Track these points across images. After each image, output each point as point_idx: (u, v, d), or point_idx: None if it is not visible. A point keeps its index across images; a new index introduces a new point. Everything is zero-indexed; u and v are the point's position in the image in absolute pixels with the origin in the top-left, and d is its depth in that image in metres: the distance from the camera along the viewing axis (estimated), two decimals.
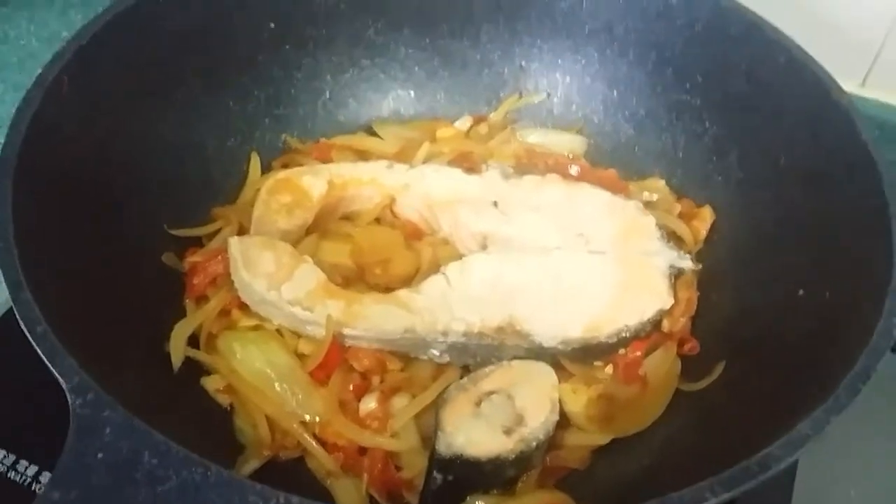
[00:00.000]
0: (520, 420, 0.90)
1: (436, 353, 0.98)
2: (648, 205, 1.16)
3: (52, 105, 0.90)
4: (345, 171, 1.13)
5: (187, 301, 1.02)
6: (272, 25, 1.19)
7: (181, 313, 1.01)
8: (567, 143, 1.28)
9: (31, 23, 1.55)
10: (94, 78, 0.97)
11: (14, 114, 0.86)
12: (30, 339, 0.70)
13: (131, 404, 0.69)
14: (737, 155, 1.14)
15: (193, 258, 1.04)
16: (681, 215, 1.17)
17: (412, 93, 1.32)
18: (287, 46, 1.22)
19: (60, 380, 0.67)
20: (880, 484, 1.07)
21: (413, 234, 1.12)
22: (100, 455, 0.63)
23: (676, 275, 1.07)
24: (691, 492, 0.64)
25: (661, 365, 1.01)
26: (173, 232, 1.06)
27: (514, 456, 0.87)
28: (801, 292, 0.96)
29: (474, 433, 0.88)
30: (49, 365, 0.68)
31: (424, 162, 1.19)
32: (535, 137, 1.28)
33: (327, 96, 1.27)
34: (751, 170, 1.12)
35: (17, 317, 0.71)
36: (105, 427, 0.64)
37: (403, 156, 1.21)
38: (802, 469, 1.01)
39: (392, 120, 1.30)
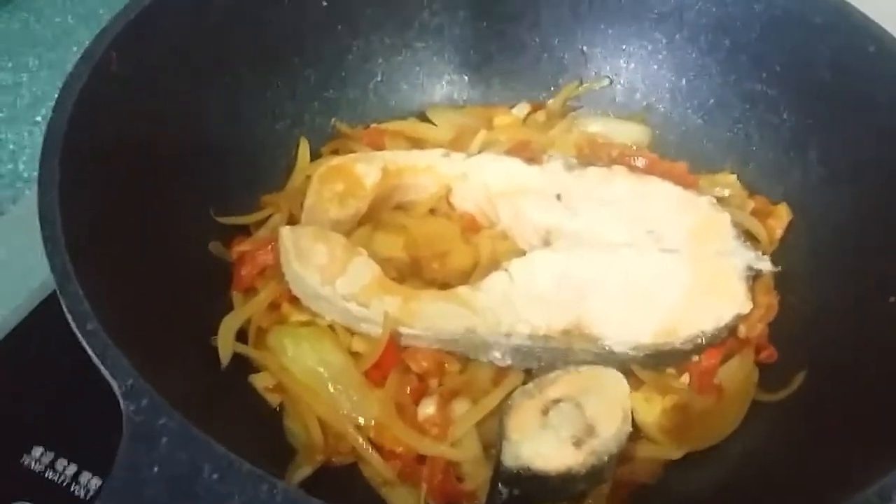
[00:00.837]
0: (590, 431, 0.83)
1: (497, 355, 0.92)
2: (720, 201, 1.08)
3: (99, 82, 0.85)
4: (400, 158, 1.07)
5: (234, 293, 0.96)
6: (324, 4, 1.13)
7: (228, 306, 0.95)
8: (630, 132, 1.21)
9: None
10: (143, 55, 0.91)
11: (60, 90, 0.80)
12: (79, 336, 0.64)
13: (183, 408, 0.64)
14: (817, 149, 1.07)
15: (241, 247, 0.98)
16: (754, 213, 1.10)
17: (467, 77, 1.25)
18: (339, 27, 1.16)
19: (113, 382, 0.61)
20: None
21: (470, 227, 1.06)
22: (156, 468, 0.57)
23: (754, 277, 1.00)
24: None
25: (737, 373, 0.95)
26: (220, 219, 1.01)
27: (584, 470, 0.81)
28: (892, 299, 0.89)
29: (542, 444, 0.82)
30: (100, 365, 0.63)
31: (481, 150, 1.12)
32: (597, 126, 1.21)
33: (379, 79, 1.21)
34: (832, 165, 1.05)
35: (66, 311, 0.65)
36: (162, 436, 0.59)
37: (458, 143, 1.15)
38: None
39: (446, 105, 1.24)
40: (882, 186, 0.97)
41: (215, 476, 0.57)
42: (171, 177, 0.95)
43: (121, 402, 0.60)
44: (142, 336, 0.74)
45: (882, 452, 0.68)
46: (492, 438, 0.86)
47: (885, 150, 0.98)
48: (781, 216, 1.08)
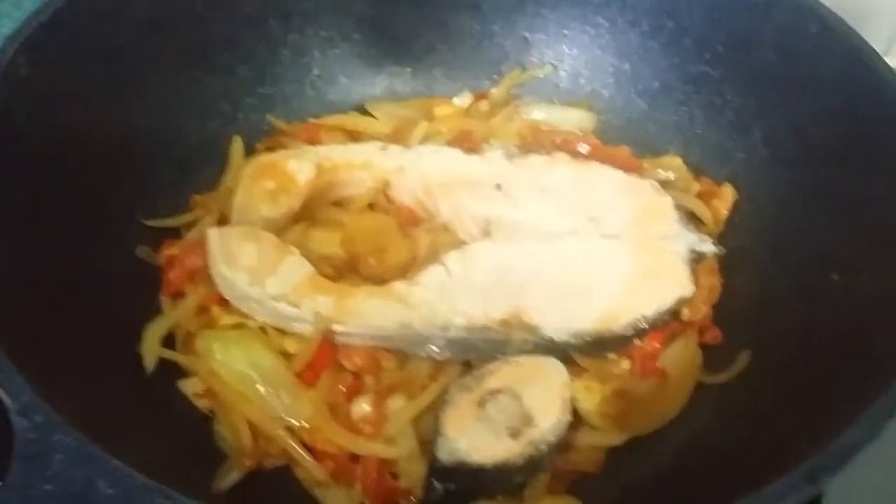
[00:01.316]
0: (528, 421, 0.82)
1: (435, 349, 0.90)
2: (664, 184, 1.06)
3: (9, 86, 0.83)
4: (334, 153, 1.04)
5: (163, 298, 0.94)
6: None
7: (159, 312, 0.93)
8: (575, 119, 1.19)
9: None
10: (57, 57, 0.89)
11: None
12: None
13: (95, 416, 0.62)
14: (761, 130, 1.05)
15: (169, 251, 0.96)
16: (699, 195, 1.08)
17: (408, 69, 1.23)
18: (271, 21, 1.13)
19: (5, 398, 0.59)
20: None
21: (409, 221, 1.03)
22: (47, 487, 0.55)
23: (697, 259, 0.98)
24: None
25: (681, 356, 0.93)
26: (148, 223, 0.98)
27: (522, 461, 0.79)
28: (834, 276, 0.87)
29: (478, 437, 0.80)
30: None
31: (421, 142, 1.10)
32: (541, 114, 1.19)
33: (315, 74, 1.18)
34: (777, 145, 1.03)
35: None
36: (55, 453, 0.56)
37: (398, 136, 1.13)
38: None
39: (386, 98, 1.21)
40: (825, 165, 0.96)
41: (110, 491, 0.55)
42: (94, 182, 0.92)
43: (12, 419, 0.58)
44: (52, 344, 0.72)
45: (815, 432, 0.67)
46: (428, 434, 0.84)
47: (828, 129, 0.96)
48: (726, 197, 1.07)
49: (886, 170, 0.87)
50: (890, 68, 0.90)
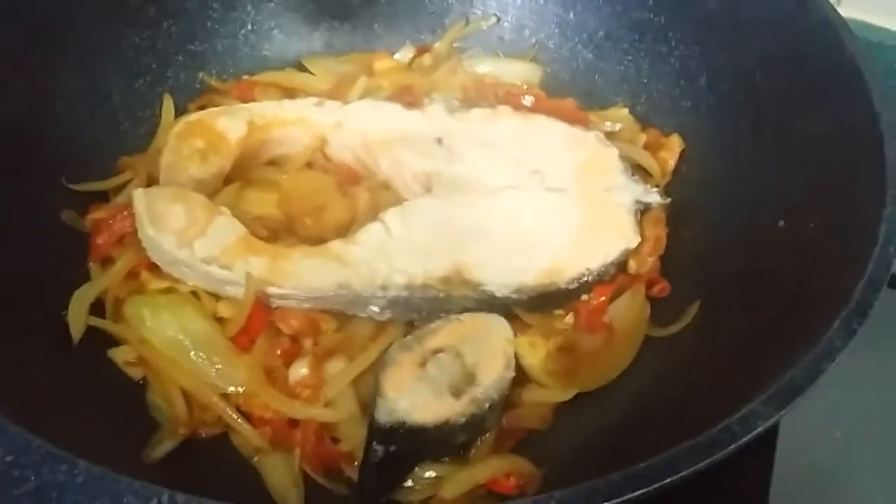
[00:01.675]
0: (470, 379, 0.80)
1: (375, 309, 0.87)
2: (610, 136, 1.04)
3: None
4: (267, 110, 1.00)
5: (91, 264, 0.90)
6: None
7: (86, 278, 0.89)
8: (520, 71, 1.16)
9: None
10: None
11: None
12: None
13: (23, 383, 0.58)
14: (707, 77, 1.03)
15: (96, 215, 0.92)
16: (646, 146, 1.06)
17: (346, 23, 1.19)
18: None
19: None
20: (868, 423, 0.99)
21: (348, 179, 1.00)
22: None
23: (643, 211, 0.97)
24: (663, 461, 0.54)
25: (628, 310, 0.91)
26: (73, 187, 0.94)
27: (464, 419, 0.77)
28: (781, 223, 0.86)
29: (419, 397, 0.78)
30: None
31: (361, 98, 1.06)
32: (485, 67, 1.16)
33: (249, 28, 1.14)
34: (723, 92, 1.01)
35: None
36: None
37: (337, 93, 1.09)
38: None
39: (324, 54, 1.17)
40: (771, 110, 0.94)
41: (9, 458, 0.51)
42: (14, 146, 0.88)
43: None
44: None
45: (763, 380, 0.65)
46: (369, 397, 0.81)
47: (774, 73, 0.94)
48: (673, 147, 1.05)
49: (831, 113, 0.85)
50: (833, 8, 0.88)
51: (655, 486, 0.53)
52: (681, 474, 0.53)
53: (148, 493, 0.49)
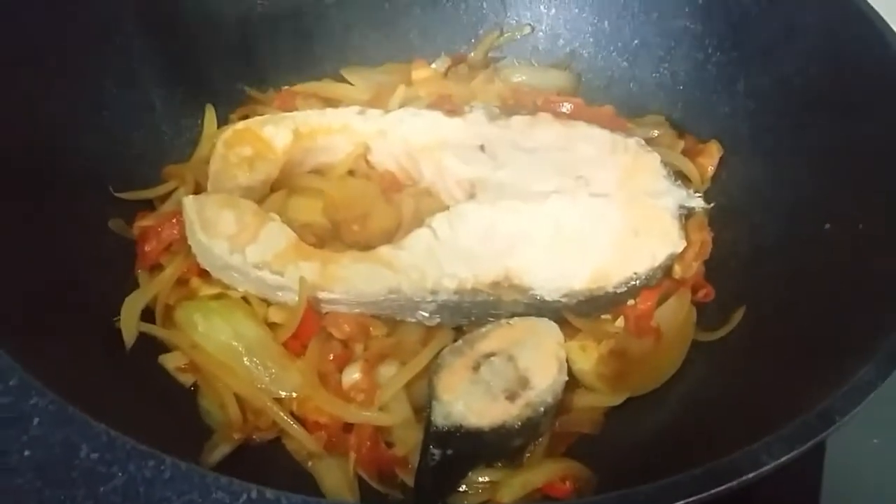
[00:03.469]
0: (524, 383, 0.80)
1: (425, 314, 0.88)
2: (649, 142, 1.04)
3: None
4: (312, 118, 1.01)
5: (139, 271, 0.90)
6: None
7: (135, 286, 0.89)
8: (555, 80, 1.16)
9: None
10: (13, 23, 0.84)
11: None
12: None
13: (75, 389, 0.58)
14: (744, 82, 1.03)
15: (143, 222, 0.92)
16: (684, 152, 1.06)
17: (383, 33, 1.19)
18: None
19: None
20: None
21: (392, 186, 1.00)
22: (27, 452, 0.51)
23: (686, 215, 0.97)
24: (745, 455, 0.54)
25: (675, 314, 0.91)
26: (120, 195, 0.94)
27: (520, 423, 0.77)
28: (827, 226, 0.86)
29: (474, 400, 0.78)
30: None
31: (400, 107, 1.07)
32: (521, 76, 1.17)
33: (289, 41, 1.14)
34: (761, 97, 1.01)
35: None
36: (32, 418, 0.53)
37: (376, 102, 1.09)
38: None
39: (362, 64, 1.18)
40: (810, 113, 0.94)
41: (95, 455, 0.51)
42: (61, 157, 0.88)
43: None
44: (26, 317, 0.68)
45: (821, 378, 0.65)
46: (423, 401, 0.81)
47: (812, 75, 0.95)
48: (712, 153, 1.05)
49: (872, 113, 0.86)
50: (871, 8, 0.88)
51: (737, 480, 0.53)
52: (764, 468, 0.53)
53: (237, 488, 0.49)
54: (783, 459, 0.54)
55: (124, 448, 0.51)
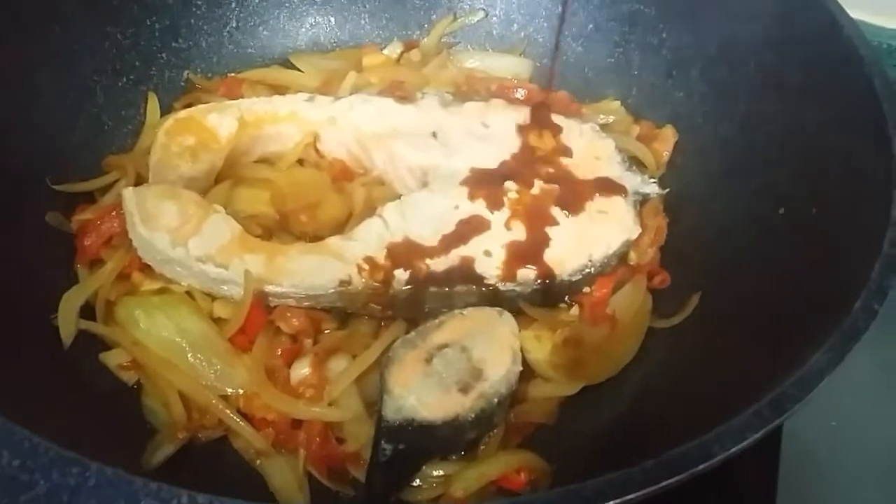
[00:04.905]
0: (478, 374, 0.78)
1: (377, 307, 0.85)
2: (604, 128, 1.03)
3: None
4: (258, 106, 0.98)
5: (79, 266, 0.87)
6: None
7: (74, 281, 0.86)
8: (510, 66, 1.15)
9: None
10: None
11: None
12: None
13: (10, 389, 0.56)
14: (700, 66, 1.02)
15: (83, 216, 0.89)
16: (639, 138, 1.05)
17: (332, 18, 1.17)
18: None
19: None
20: (862, 412, 0.99)
21: (342, 175, 0.98)
22: None
23: (641, 201, 0.96)
24: (695, 448, 0.53)
25: (630, 301, 0.90)
26: (58, 187, 0.91)
27: (473, 415, 0.76)
28: (781, 210, 0.85)
29: (426, 393, 0.76)
30: None
31: (351, 93, 1.04)
32: (475, 62, 1.15)
33: (234, 25, 1.11)
34: (716, 81, 1.00)
35: None
36: None
37: (326, 89, 1.07)
38: None
39: (311, 51, 1.15)
40: (763, 97, 0.94)
41: (16, 463, 0.48)
42: None
43: None
44: None
45: (773, 366, 0.64)
46: (374, 396, 0.79)
47: (765, 61, 0.94)
48: (667, 138, 1.04)
49: (825, 98, 0.85)
50: None
51: (689, 472, 0.52)
52: (716, 459, 0.52)
53: (166, 494, 0.47)
54: (734, 450, 0.53)
55: (47, 455, 0.48)
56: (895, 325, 0.74)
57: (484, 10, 1.18)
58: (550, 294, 0.89)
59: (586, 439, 0.82)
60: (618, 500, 0.50)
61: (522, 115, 1.00)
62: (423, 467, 0.78)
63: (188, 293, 0.84)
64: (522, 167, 0.95)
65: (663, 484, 0.51)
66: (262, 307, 0.83)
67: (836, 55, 0.84)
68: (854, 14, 0.86)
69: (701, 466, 0.52)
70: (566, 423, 0.84)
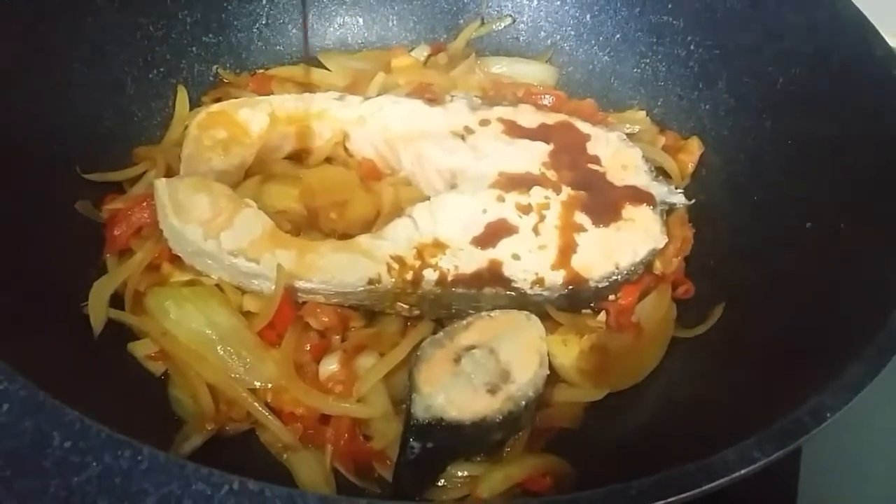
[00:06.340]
0: (505, 377, 0.78)
1: (405, 306, 0.86)
2: (630, 137, 1.04)
3: None
4: (289, 103, 0.98)
5: (108, 256, 0.87)
6: None
7: (103, 271, 0.86)
8: (536, 72, 1.15)
9: None
10: None
11: None
12: None
13: (41, 376, 0.55)
14: (726, 79, 1.03)
15: (113, 205, 0.89)
16: (665, 148, 1.06)
17: (361, 19, 1.18)
18: None
19: None
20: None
21: (370, 174, 0.98)
22: None
23: (668, 211, 0.96)
24: (737, 451, 0.53)
25: (655, 310, 0.91)
26: (88, 177, 0.91)
27: (501, 417, 0.76)
28: (808, 224, 0.86)
29: (455, 393, 0.76)
30: None
31: (379, 94, 1.05)
32: (501, 67, 1.15)
33: (264, 22, 1.12)
34: (743, 95, 1.01)
35: None
36: (2, 404, 0.50)
37: (354, 89, 1.07)
38: None
39: (339, 50, 1.15)
40: (792, 112, 0.95)
41: (67, 444, 0.48)
42: (27, 137, 0.84)
43: None
44: None
45: (801, 377, 0.65)
46: (402, 394, 0.80)
47: (794, 74, 0.95)
48: (693, 150, 1.05)
49: (853, 113, 0.86)
50: (856, 8, 0.89)
51: (729, 477, 0.52)
52: (757, 464, 0.52)
53: (218, 479, 0.47)
54: (774, 456, 0.53)
55: (99, 437, 0.48)
56: None
57: (511, 16, 1.19)
58: (577, 300, 0.89)
59: (610, 445, 0.82)
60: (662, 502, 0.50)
61: (551, 120, 1.01)
62: (449, 467, 0.78)
63: (218, 286, 0.84)
64: (550, 173, 0.95)
65: (704, 487, 0.52)
66: (292, 302, 0.83)
67: (866, 72, 0.85)
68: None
69: (742, 471, 0.53)
70: (591, 428, 0.84)
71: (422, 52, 1.16)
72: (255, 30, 1.11)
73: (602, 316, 0.90)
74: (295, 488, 0.49)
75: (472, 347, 0.80)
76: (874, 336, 0.61)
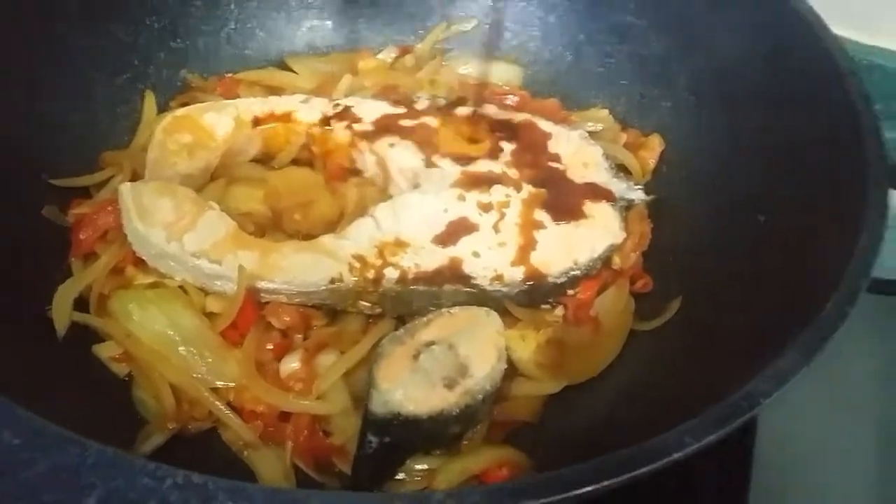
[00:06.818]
0: (463, 371, 0.79)
1: (366, 304, 0.87)
2: (592, 135, 1.06)
3: None
4: (254, 106, 1.00)
5: (73, 260, 0.88)
6: None
7: (68, 274, 0.88)
8: (502, 73, 1.17)
9: None
10: None
11: None
12: None
13: (5, 378, 0.57)
14: (686, 78, 1.05)
15: (78, 210, 0.90)
16: (626, 146, 1.08)
17: (329, 22, 1.19)
18: None
19: None
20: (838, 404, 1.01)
21: (336, 175, 1.00)
22: None
23: (627, 207, 0.98)
24: (669, 438, 0.55)
25: (613, 304, 0.92)
26: (55, 182, 0.92)
27: (458, 411, 0.77)
28: (761, 219, 0.88)
29: (413, 389, 0.77)
30: None
31: (346, 96, 1.06)
32: (467, 69, 1.17)
33: (232, 27, 1.13)
34: (702, 93, 1.03)
35: None
36: None
37: (321, 91, 1.09)
38: None
39: (307, 53, 1.17)
40: (750, 109, 0.96)
41: (16, 442, 0.50)
42: None
43: None
44: None
45: (748, 366, 0.67)
46: (362, 391, 0.81)
47: (752, 72, 0.96)
48: (653, 147, 1.07)
49: (808, 110, 0.87)
50: (811, 8, 0.90)
51: (663, 461, 0.54)
52: (689, 449, 0.54)
53: (162, 473, 0.48)
54: (706, 440, 0.55)
55: (48, 434, 0.50)
56: None
57: (477, 18, 1.20)
58: (536, 295, 0.91)
59: (568, 437, 0.84)
60: (591, 487, 0.52)
61: (515, 119, 1.03)
62: (408, 461, 0.79)
63: (181, 288, 0.86)
64: (512, 171, 0.97)
65: (636, 472, 0.53)
66: (254, 303, 0.84)
67: (816, 68, 0.86)
68: (835, 30, 0.89)
69: (675, 455, 0.54)
70: (549, 421, 0.86)
71: (389, 54, 1.18)
72: (222, 34, 1.13)
73: (560, 310, 0.92)
74: (240, 482, 0.50)
75: (432, 343, 0.81)
76: (809, 325, 0.63)
